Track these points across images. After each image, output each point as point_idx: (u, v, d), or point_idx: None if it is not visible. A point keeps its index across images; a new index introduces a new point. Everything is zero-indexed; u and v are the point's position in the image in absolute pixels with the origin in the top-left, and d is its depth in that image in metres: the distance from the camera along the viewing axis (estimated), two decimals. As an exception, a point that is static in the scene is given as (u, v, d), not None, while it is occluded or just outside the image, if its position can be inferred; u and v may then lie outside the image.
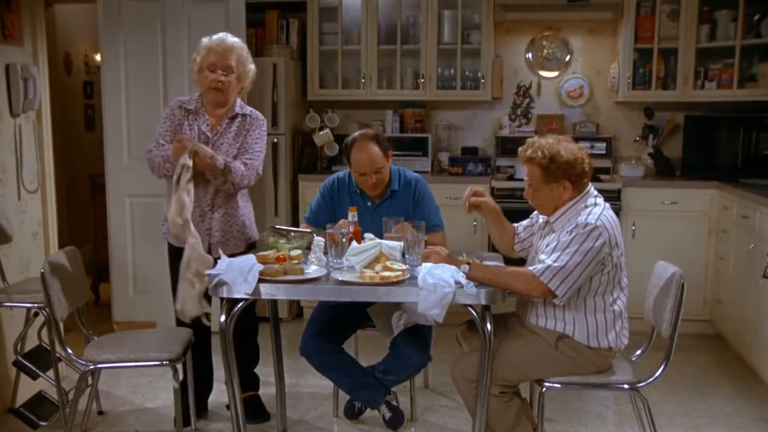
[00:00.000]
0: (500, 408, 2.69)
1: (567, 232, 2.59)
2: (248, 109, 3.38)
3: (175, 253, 3.31)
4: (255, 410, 3.47)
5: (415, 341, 3.15)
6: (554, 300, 2.61)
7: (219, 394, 3.64)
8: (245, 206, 3.44)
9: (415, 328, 3.15)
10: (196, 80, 3.31)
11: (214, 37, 3.27)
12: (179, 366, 3.06)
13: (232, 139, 3.29)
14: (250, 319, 3.43)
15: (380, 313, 3.24)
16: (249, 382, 3.49)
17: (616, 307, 2.69)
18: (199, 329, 3.29)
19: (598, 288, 2.65)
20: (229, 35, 3.30)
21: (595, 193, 2.73)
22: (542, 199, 2.72)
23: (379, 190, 3.28)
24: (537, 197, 2.73)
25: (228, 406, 3.18)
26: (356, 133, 3.26)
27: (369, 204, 3.31)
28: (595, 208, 2.63)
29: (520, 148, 2.74)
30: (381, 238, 2.89)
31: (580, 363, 2.68)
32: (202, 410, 3.53)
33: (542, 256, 2.61)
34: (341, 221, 3.05)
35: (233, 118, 3.31)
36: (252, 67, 3.36)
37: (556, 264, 2.55)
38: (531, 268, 2.61)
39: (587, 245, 2.54)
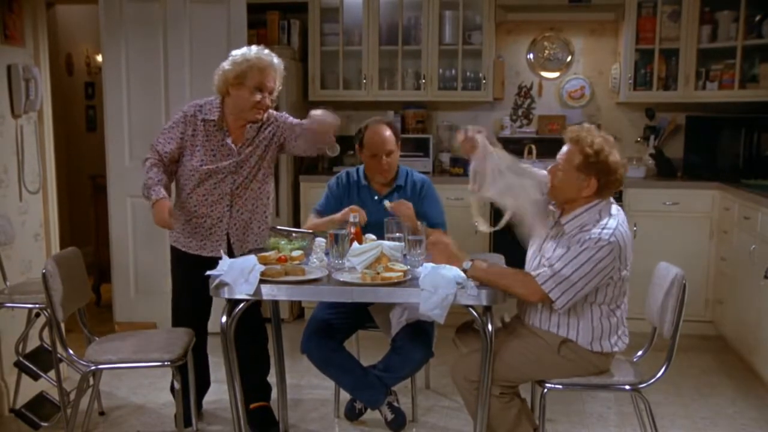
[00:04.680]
0: (501, 409, 2.68)
1: (578, 243, 2.54)
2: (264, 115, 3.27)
3: (179, 258, 3.32)
4: (264, 421, 3.35)
5: (417, 336, 3.14)
6: (553, 306, 2.60)
7: (222, 394, 3.64)
8: (266, 199, 3.34)
9: (417, 323, 3.14)
10: (227, 91, 3.12)
11: (265, 55, 3.10)
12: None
13: (260, 148, 3.22)
14: (257, 325, 3.40)
15: (381, 311, 3.24)
16: (260, 391, 3.41)
17: (618, 313, 2.68)
18: (198, 330, 3.29)
19: (604, 298, 2.64)
20: (274, 55, 3.14)
21: (613, 202, 2.70)
22: (563, 181, 2.64)
23: (389, 175, 3.34)
24: (559, 178, 2.65)
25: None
26: (370, 119, 3.36)
27: (376, 197, 3.35)
28: (611, 221, 2.58)
29: (572, 127, 2.68)
30: (383, 232, 2.93)
31: (582, 366, 2.68)
32: (198, 410, 3.50)
33: (548, 263, 2.60)
34: (347, 209, 3.07)
35: (259, 128, 3.22)
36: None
37: (560, 273, 2.52)
38: (534, 273, 2.60)
39: (595, 261, 2.51)
